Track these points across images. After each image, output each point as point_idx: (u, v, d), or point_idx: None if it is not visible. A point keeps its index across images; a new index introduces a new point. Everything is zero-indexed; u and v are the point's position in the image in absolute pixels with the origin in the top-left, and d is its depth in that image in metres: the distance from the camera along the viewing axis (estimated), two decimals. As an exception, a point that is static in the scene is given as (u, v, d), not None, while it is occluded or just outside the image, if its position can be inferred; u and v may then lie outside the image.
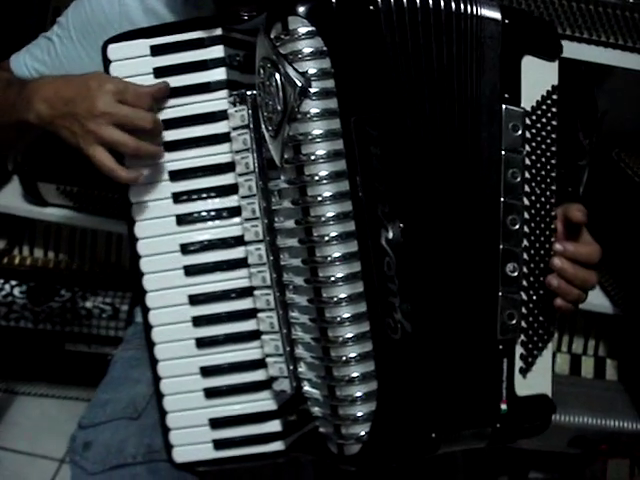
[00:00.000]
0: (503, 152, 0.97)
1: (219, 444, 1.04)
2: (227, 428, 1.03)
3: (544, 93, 1.00)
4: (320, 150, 0.89)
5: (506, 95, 0.98)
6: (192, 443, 1.04)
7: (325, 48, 0.88)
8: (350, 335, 0.91)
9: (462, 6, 0.96)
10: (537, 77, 0.99)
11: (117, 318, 1.91)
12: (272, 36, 0.90)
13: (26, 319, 1.93)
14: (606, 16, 1.57)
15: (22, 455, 1.96)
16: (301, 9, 0.88)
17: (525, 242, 0.98)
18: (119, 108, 0.98)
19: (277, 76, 0.89)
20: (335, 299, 0.91)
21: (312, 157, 0.89)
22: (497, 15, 0.98)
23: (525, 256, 0.98)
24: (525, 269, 0.98)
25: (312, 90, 0.88)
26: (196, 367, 1.03)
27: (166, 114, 1.01)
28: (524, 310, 0.99)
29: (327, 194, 0.90)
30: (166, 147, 1.02)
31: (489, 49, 0.97)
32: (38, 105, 1.03)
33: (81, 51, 1.18)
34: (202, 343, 1.03)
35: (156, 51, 1.01)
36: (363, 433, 0.93)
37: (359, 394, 0.92)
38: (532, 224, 0.99)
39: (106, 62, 1.02)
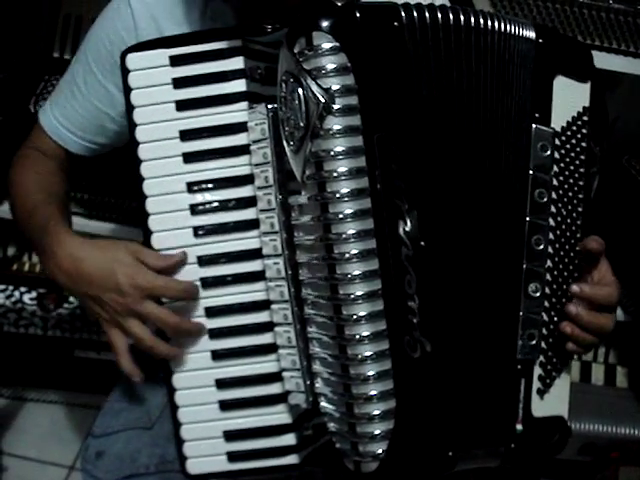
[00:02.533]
0: (531, 171, 0.97)
1: (233, 456, 1.03)
2: (241, 441, 1.03)
3: (575, 114, 1.00)
4: (342, 167, 0.88)
5: (536, 115, 0.97)
6: (206, 455, 1.04)
7: (349, 64, 0.87)
8: (369, 353, 0.90)
9: (489, 23, 0.96)
10: (568, 98, 0.99)
11: (127, 325, 1.91)
12: (296, 51, 0.89)
13: (36, 326, 1.94)
14: (617, 23, 1.58)
15: (31, 462, 1.95)
16: (325, 24, 0.87)
17: (549, 263, 0.98)
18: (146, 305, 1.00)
19: (300, 91, 0.88)
20: (355, 317, 0.90)
21: (334, 174, 0.88)
22: (532, 34, 0.98)
23: (548, 277, 0.98)
24: (548, 290, 0.98)
25: (335, 107, 0.87)
26: (211, 379, 1.02)
27: (184, 125, 1.01)
28: (545, 331, 0.98)
29: (349, 211, 0.89)
30: (184, 158, 1.01)
31: (521, 67, 0.97)
32: (56, 273, 1.05)
33: (108, 85, 1.16)
34: (218, 355, 1.02)
35: (175, 61, 1.00)
36: (380, 451, 0.92)
37: (377, 412, 0.91)
38: (557, 245, 0.98)
39: (125, 72, 1.01)
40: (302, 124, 0.88)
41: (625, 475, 1.85)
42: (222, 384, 1.02)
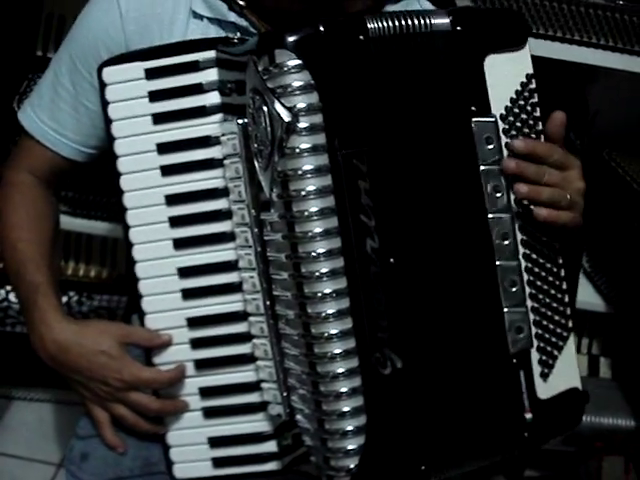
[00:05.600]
0: (482, 167, 0.93)
1: (218, 462, 1.06)
2: (225, 447, 1.05)
3: (518, 87, 0.95)
4: (309, 186, 0.86)
5: (473, 108, 0.93)
6: (192, 460, 1.06)
7: (313, 82, 0.85)
8: (340, 370, 0.90)
9: (417, 22, 0.91)
10: (506, 73, 0.94)
11: (113, 322, 1.91)
12: (260, 68, 0.87)
13: (22, 324, 1.93)
14: (596, 18, 1.58)
15: (19, 460, 1.95)
16: (289, 40, 0.84)
17: (523, 250, 0.96)
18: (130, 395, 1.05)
19: (265, 109, 0.86)
20: (325, 335, 0.89)
21: (302, 193, 0.86)
22: (446, 22, 0.92)
23: (524, 265, 0.96)
24: (527, 276, 0.96)
25: (300, 125, 0.85)
26: (195, 388, 1.04)
27: (161, 138, 1.01)
28: (536, 317, 0.98)
29: (316, 230, 0.87)
30: (162, 171, 1.01)
31: (446, 62, 0.93)
32: (40, 351, 1.07)
33: (93, 81, 1.11)
34: (200, 364, 1.04)
35: (151, 74, 1.00)
36: (352, 466, 0.92)
37: (350, 428, 0.91)
38: (529, 228, 0.96)
39: (102, 85, 1.01)
40: (268, 142, 0.87)
41: (609, 465, 1.86)
42: (205, 392, 1.04)
